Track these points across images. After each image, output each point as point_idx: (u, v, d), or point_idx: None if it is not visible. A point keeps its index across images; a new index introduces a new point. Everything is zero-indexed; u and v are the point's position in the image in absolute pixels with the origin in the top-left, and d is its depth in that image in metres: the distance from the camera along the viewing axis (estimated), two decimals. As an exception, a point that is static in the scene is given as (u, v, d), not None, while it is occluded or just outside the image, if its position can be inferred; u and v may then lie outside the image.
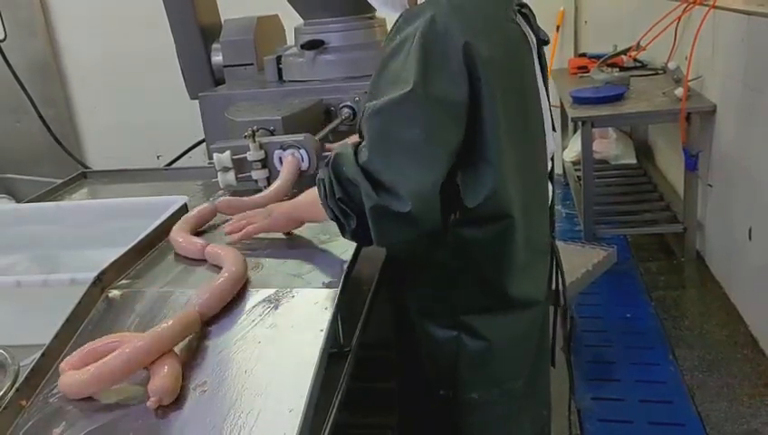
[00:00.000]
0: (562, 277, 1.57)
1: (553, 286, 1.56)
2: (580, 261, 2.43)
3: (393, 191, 1.05)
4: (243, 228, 1.30)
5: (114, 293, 1.13)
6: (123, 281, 1.17)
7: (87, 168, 2.37)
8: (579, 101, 3.46)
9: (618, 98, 3.42)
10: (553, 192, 1.47)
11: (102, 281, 1.13)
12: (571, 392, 2.31)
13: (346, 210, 1.10)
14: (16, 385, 0.92)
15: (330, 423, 0.99)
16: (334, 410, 1.02)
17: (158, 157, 4.24)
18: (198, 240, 1.26)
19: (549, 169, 1.42)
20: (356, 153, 1.09)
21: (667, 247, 3.59)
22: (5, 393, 0.91)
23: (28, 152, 4.29)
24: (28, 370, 0.95)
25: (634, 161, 4.43)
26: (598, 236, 3.40)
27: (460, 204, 1.17)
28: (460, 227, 1.19)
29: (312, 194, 1.24)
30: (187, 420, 0.86)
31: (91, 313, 1.08)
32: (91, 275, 1.12)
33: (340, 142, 1.55)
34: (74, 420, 0.89)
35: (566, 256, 1.75)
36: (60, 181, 2.20)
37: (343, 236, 1.14)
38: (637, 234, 3.68)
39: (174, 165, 2.69)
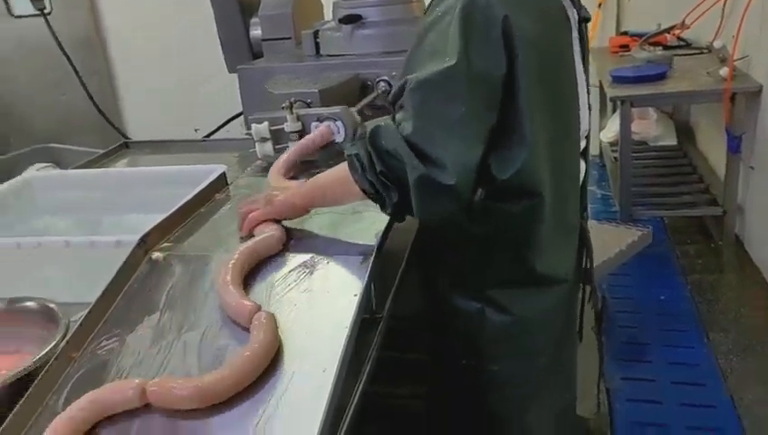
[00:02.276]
0: (590, 257, 1.57)
1: (583, 265, 1.57)
2: (613, 241, 2.41)
3: (439, 164, 1.04)
4: (245, 217, 1.25)
5: (157, 255, 1.17)
6: (165, 244, 1.21)
7: (128, 139, 2.43)
8: (618, 80, 3.40)
9: (659, 77, 3.34)
10: (587, 171, 1.46)
11: (146, 243, 1.17)
12: (601, 371, 2.32)
13: (387, 183, 1.09)
14: (67, 338, 0.97)
15: (360, 387, 1.01)
16: (365, 375, 1.05)
17: (195, 130, 4.30)
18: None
19: (582, 147, 1.41)
20: (397, 126, 1.09)
21: (705, 230, 3.53)
22: (57, 345, 0.96)
23: (71, 124, 4.40)
24: (77, 325, 1.00)
25: (674, 142, 4.34)
26: (634, 218, 3.36)
27: (489, 178, 1.18)
28: (490, 201, 1.20)
29: (333, 175, 1.21)
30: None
31: (136, 273, 1.13)
32: (136, 238, 1.16)
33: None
34: (122, 370, 0.94)
35: (599, 235, 1.75)
36: (102, 151, 2.27)
37: (382, 209, 1.14)
38: (674, 216, 3.62)
39: (212, 137, 2.74)
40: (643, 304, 2.94)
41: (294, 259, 1.12)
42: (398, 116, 1.10)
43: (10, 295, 1.08)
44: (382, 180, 1.09)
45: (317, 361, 0.92)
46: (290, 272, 1.09)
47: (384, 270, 1.21)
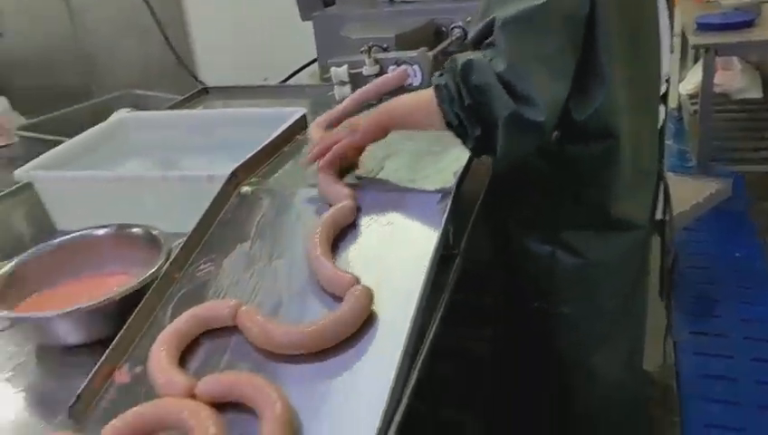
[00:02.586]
0: (669, 205, 1.56)
1: (659, 215, 1.56)
2: (690, 193, 2.36)
3: (530, 101, 1.05)
4: (328, 150, 1.25)
5: (246, 189, 1.25)
6: (253, 179, 1.29)
7: (204, 85, 2.52)
8: (703, 27, 3.26)
9: (747, 24, 3.19)
10: (666, 116, 1.45)
11: (236, 178, 1.25)
12: (669, 324, 2.31)
13: (473, 119, 1.10)
14: (170, 260, 1.06)
15: (436, 324, 1.06)
16: (440, 312, 1.10)
17: (264, 79, 4.38)
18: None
19: (662, 91, 1.39)
20: (489, 61, 1.09)
21: (786, 188, 3.40)
22: (161, 267, 1.05)
23: (148, 72, 4.55)
24: (178, 249, 1.09)
25: (759, 96, 4.14)
26: (711, 173, 3.26)
27: (567, 119, 1.19)
28: (567, 142, 1.21)
29: (415, 99, 1.22)
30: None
31: (227, 205, 1.21)
32: (226, 173, 1.24)
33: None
34: (219, 290, 1.02)
35: (675, 187, 1.72)
36: (181, 97, 2.37)
37: (464, 143, 1.15)
38: (754, 172, 3.49)
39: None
40: (716, 261, 2.88)
41: (377, 195, 1.17)
42: (489, 52, 1.10)
43: (118, 223, 1.18)
44: (469, 115, 1.10)
45: (399, 288, 0.97)
46: (372, 209, 1.15)
47: (460, 210, 1.25)
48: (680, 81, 4.33)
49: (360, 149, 1.28)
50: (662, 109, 1.40)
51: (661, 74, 1.33)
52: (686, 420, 2.04)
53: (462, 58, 1.12)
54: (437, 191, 1.16)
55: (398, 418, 0.79)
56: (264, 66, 4.40)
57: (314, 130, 1.40)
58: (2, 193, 1.63)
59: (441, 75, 1.15)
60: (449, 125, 1.14)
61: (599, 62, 1.14)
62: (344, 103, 1.47)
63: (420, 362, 0.92)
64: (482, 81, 1.08)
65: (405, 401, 0.83)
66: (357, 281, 0.94)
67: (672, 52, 1.40)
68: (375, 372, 0.84)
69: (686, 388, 2.18)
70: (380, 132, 1.25)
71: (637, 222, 1.36)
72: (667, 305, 2.35)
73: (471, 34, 1.20)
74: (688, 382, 2.21)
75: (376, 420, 0.77)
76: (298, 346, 0.88)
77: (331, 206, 1.13)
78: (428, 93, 1.16)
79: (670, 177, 1.69)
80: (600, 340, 1.45)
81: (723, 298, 2.65)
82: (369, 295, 0.92)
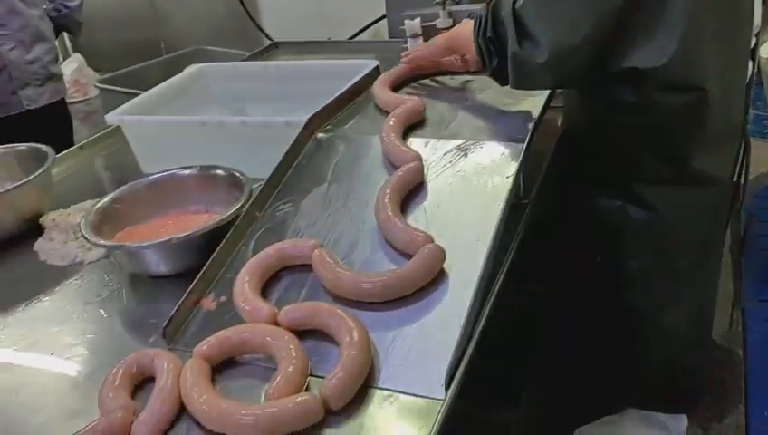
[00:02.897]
0: (747, 165, 1.51)
1: (736, 177, 1.52)
2: (766, 157, 2.27)
3: (535, 40, 1.10)
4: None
5: (322, 135, 1.29)
6: (328, 126, 1.32)
7: (272, 41, 2.56)
8: (790, -16, 3.08)
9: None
10: (753, 71, 1.40)
11: (312, 124, 1.29)
12: (737, 289, 2.26)
13: (491, 49, 1.17)
14: (251, 199, 1.11)
15: (505, 268, 1.08)
16: (511, 255, 1.12)
17: (328, 39, 4.40)
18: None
19: (752, 45, 1.35)
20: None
21: None
22: (243, 205, 1.10)
23: (217, 29, 4.64)
24: (258, 190, 1.14)
25: None
26: (790, 140, 3.12)
27: (633, 70, 1.16)
28: (652, 92, 1.18)
29: (469, 27, 1.29)
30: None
31: (304, 150, 1.25)
32: (303, 119, 1.28)
33: None
34: (297, 229, 1.07)
35: (755, 148, 1.66)
36: (251, 53, 2.42)
37: (483, 72, 1.24)
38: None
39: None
40: (790, 229, 2.78)
41: (449, 143, 1.19)
42: None
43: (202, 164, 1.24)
44: (488, 45, 1.17)
45: (469, 235, 1.00)
46: (445, 154, 1.17)
47: (532, 159, 1.25)
48: (762, 43, 4.11)
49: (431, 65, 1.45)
50: (750, 64, 1.35)
51: (752, 27, 1.29)
52: (752, 386, 2.00)
53: None
54: (511, 140, 1.17)
55: (462, 365, 0.82)
56: (330, 23, 4.41)
57: (379, 88, 1.44)
58: (89, 139, 1.73)
59: (485, 6, 1.22)
60: (478, 53, 1.23)
61: (670, 13, 1.11)
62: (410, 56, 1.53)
63: (487, 311, 0.94)
64: (502, 16, 1.14)
65: (473, 344, 0.86)
66: (430, 239, 0.95)
67: (764, 3, 1.34)
68: (444, 317, 0.87)
69: (753, 354, 2.14)
70: (448, 52, 1.40)
71: (716, 178, 1.32)
72: (736, 271, 2.30)
73: None
74: (755, 349, 2.17)
75: (447, 356, 0.81)
76: (365, 295, 0.90)
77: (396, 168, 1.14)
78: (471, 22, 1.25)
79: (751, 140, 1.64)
80: (668, 297, 1.44)
81: (795, 268, 2.56)
82: (439, 255, 0.93)
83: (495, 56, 1.18)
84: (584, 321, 1.58)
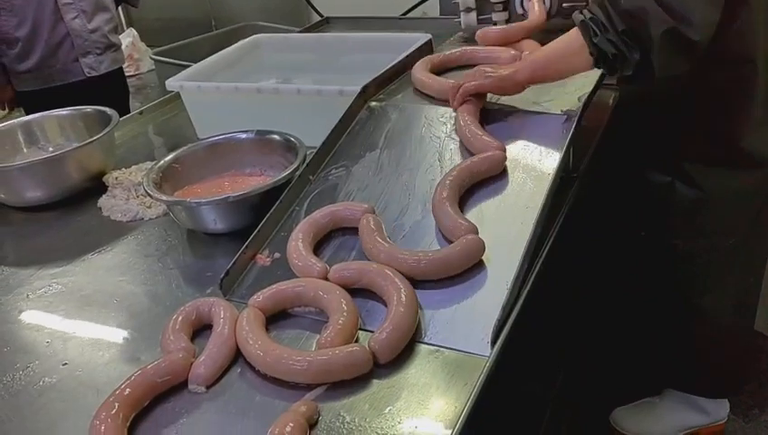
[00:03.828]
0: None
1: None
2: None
3: (687, 20, 1.02)
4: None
5: (375, 103, 1.31)
6: (381, 96, 1.35)
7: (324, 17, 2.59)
8: None
9: None
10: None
11: (365, 93, 1.31)
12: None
13: (629, 42, 1.06)
14: (306, 162, 1.14)
15: (550, 243, 1.09)
16: (558, 226, 1.13)
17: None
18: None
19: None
20: None
21: None
22: (297, 168, 1.14)
23: (265, 6, 4.69)
24: (312, 154, 1.17)
25: None
26: None
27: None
28: (703, 66, 1.17)
29: (554, 49, 1.18)
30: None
31: (357, 117, 1.27)
32: (357, 88, 1.30)
33: None
34: (349, 193, 1.10)
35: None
36: (302, 28, 2.45)
37: (621, 72, 1.12)
38: None
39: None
40: None
41: (502, 113, 1.20)
42: None
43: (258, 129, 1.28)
44: (625, 39, 1.07)
45: (519, 202, 1.01)
46: (496, 124, 1.18)
47: (582, 136, 1.25)
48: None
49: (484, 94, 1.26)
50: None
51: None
52: (796, 378, 1.97)
53: None
54: (562, 114, 1.17)
55: (507, 327, 0.84)
56: (380, 1, 4.40)
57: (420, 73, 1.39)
58: (147, 105, 1.79)
59: (583, 11, 1.12)
60: (601, 58, 1.10)
61: None
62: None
63: (532, 278, 0.95)
64: (634, 3, 1.05)
65: (514, 314, 0.87)
66: (472, 229, 0.93)
67: None
68: (492, 278, 0.89)
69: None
70: (518, 87, 1.22)
71: (765, 159, 1.31)
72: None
73: None
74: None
75: (494, 314, 0.83)
76: (402, 270, 0.89)
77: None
78: (566, 38, 1.14)
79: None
80: (711, 278, 1.43)
81: None
82: (478, 247, 0.91)
83: (636, 49, 1.07)
84: (625, 299, 1.59)
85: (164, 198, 1.10)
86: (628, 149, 1.43)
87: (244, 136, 1.26)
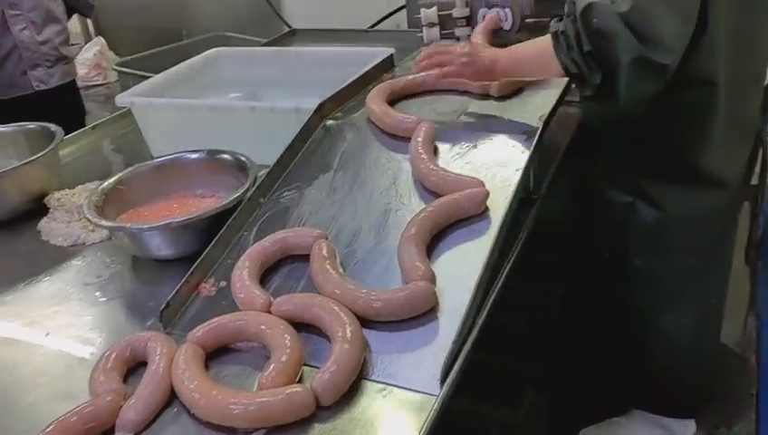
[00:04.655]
0: (764, 171, 1.48)
1: (754, 181, 1.48)
2: (790, 160, 2.21)
3: (659, 42, 1.01)
4: (439, 65, 1.26)
5: (331, 122, 1.27)
6: (338, 113, 1.31)
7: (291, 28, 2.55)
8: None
9: None
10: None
11: (321, 111, 1.27)
12: (752, 297, 2.21)
13: (593, 65, 1.06)
14: (256, 185, 1.10)
15: (509, 267, 1.06)
16: (514, 255, 1.09)
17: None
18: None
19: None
20: (611, 3, 1.04)
21: None
22: (248, 191, 1.09)
23: (237, 15, 4.64)
24: (264, 175, 1.13)
25: None
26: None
27: None
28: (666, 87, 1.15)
29: (533, 48, 1.18)
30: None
31: (312, 136, 1.23)
32: (313, 105, 1.26)
33: None
34: (301, 217, 1.06)
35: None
36: (268, 40, 2.40)
37: (582, 91, 1.12)
38: None
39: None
40: (812, 236, 2.71)
41: (460, 134, 1.17)
42: None
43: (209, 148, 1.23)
44: (588, 61, 1.06)
45: (473, 228, 0.97)
46: (454, 145, 1.14)
47: (542, 158, 1.23)
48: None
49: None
50: (770, 65, 1.32)
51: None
52: (763, 393, 1.96)
53: (582, 2, 1.06)
54: (522, 134, 1.14)
55: (461, 359, 0.80)
56: (351, 12, 4.39)
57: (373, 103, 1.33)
58: (100, 121, 1.73)
59: (560, 21, 1.10)
60: (567, 72, 1.10)
61: (706, 4, 1.07)
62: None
63: (488, 307, 0.91)
64: (604, 25, 1.02)
65: (469, 343, 0.83)
66: (428, 275, 0.87)
67: None
68: (442, 313, 0.85)
69: (766, 362, 2.09)
70: (494, 77, 1.23)
71: (726, 180, 1.29)
72: (751, 277, 2.25)
73: None
74: (769, 357, 2.12)
75: (443, 355, 0.79)
76: (348, 305, 0.84)
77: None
78: (546, 41, 1.12)
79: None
80: (673, 298, 1.41)
81: (815, 275, 2.50)
82: (430, 296, 0.85)
83: (598, 71, 1.06)
84: (588, 320, 1.56)
85: (104, 223, 1.04)
86: (591, 167, 1.41)
87: (193, 156, 1.21)
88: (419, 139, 1.11)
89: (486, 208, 0.99)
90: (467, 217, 0.99)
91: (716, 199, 1.31)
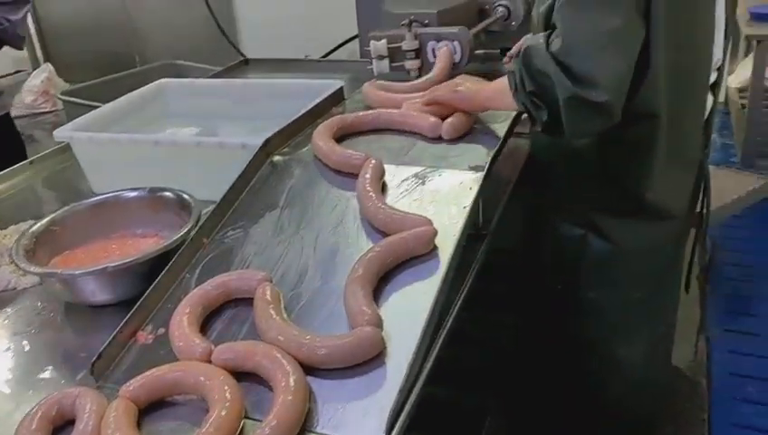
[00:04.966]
0: (708, 198, 1.51)
1: (698, 208, 1.51)
2: (731, 186, 2.29)
3: (590, 81, 1.02)
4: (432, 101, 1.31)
5: (278, 158, 1.25)
6: (286, 149, 1.28)
7: (246, 57, 2.53)
8: (757, 17, 3.13)
9: (804, 16, 3.05)
10: (713, 105, 1.39)
11: (268, 146, 1.24)
12: (702, 320, 2.26)
13: (537, 103, 1.08)
14: (199, 224, 1.06)
15: (459, 303, 1.05)
16: (465, 291, 1.08)
17: (305, 56, 4.39)
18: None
19: (713, 80, 1.34)
20: (547, 44, 1.06)
21: (836, 188, 3.27)
22: (190, 230, 1.05)
23: (192, 43, 4.59)
24: (208, 214, 1.09)
25: (812, 92, 3.97)
26: (756, 169, 3.15)
27: None
28: None
29: (501, 83, 1.21)
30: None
31: (259, 173, 1.20)
32: (260, 141, 1.24)
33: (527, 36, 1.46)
34: (245, 258, 1.03)
35: (717, 179, 1.66)
36: (222, 68, 2.37)
37: (534, 127, 1.14)
38: (802, 170, 3.36)
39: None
40: (755, 259, 2.79)
41: (408, 170, 1.16)
42: (553, 35, 1.07)
43: (151, 186, 1.19)
44: (533, 100, 1.08)
45: (422, 268, 0.96)
46: (402, 181, 1.13)
47: (492, 193, 1.23)
48: (729, 73, 4.18)
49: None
50: (710, 98, 1.35)
51: (712, 62, 1.28)
52: (715, 417, 1.99)
53: (526, 43, 1.11)
54: (469, 169, 1.14)
55: (409, 405, 0.78)
56: (306, 41, 4.40)
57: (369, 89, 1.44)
58: (39, 155, 1.66)
59: (514, 62, 1.14)
60: (524, 110, 1.14)
61: (647, 40, 1.09)
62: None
63: (438, 346, 0.90)
64: (541, 65, 1.05)
65: (418, 386, 0.81)
66: (374, 320, 0.83)
67: (727, 39, 1.33)
68: (389, 359, 0.82)
69: (717, 386, 2.13)
70: (475, 106, 1.29)
71: (672, 211, 1.31)
72: (701, 301, 2.30)
73: (542, 13, 1.17)
74: (719, 380, 2.16)
75: (389, 404, 0.76)
76: (293, 353, 0.81)
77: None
78: (506, 79, 1.17)
79: (713, 169, 1.64)
80: (623, 329, 1.42)
81: (759, 297, 2.56)
82: (376, 342, 0.82)
83: (544, 108, 1.09)
84: (540, 351, 1.56)
85: (34, 269, 0.99)
86: (542, 200, 1.42)
87: (133, 194, 1.17)
88: (367, 176, 1.09)
89: (435, 247, 0.98)
90: (417, 261, 0.97)
91: (663, 231, 1.33)
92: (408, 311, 0.88)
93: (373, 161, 1.13)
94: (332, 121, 1.32)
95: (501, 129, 1.28)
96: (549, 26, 1.12)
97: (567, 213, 1.34)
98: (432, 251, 0.97)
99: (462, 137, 1.27)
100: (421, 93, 1.38)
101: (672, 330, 1.56)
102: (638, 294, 1.37)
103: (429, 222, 0.98)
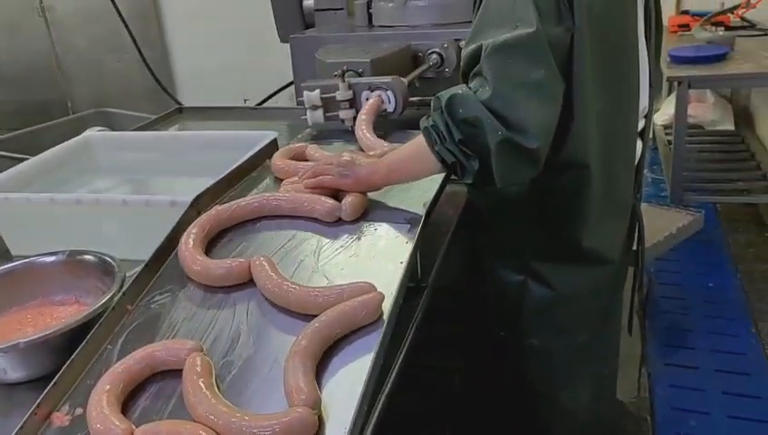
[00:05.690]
0: (642, 240, 1.54)
1: (634, 248, 1.54)
2: (663, 224, 2.36)
3: (521, 127, 1.02)
4: (320, 174, 1.20)
5: (209, 216, 1.20)
6: (218, 205, 1.24)
7: (181, 105, 2.48)
8: (676, 60, 3.29)
9: (719, 58, 3.22)
10: (643, 151, 1.43)
11: (198, 204, 1.20)
12: (643, 355, 2.29)
13: (467, 152, 1.06)
14: (123, 290, 1.00)
15: (402, 356, 1.03)
16: (407, 344, 1.06)
17: (245, 100, 4.36)
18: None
19: (641, 127, 1.38)
20: (474, 93, 1.06)
21: (759, 219, 3.43)
22: (113, 297, 0.99)
23: (126, 90, 4.51)
24: (132, 278, 1.04)
25: (731, 128, 4.19)
26: (685, 204, 3.27)
27: None
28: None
29: (407, 149, 1.18)
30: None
31: (188, 232, 1.15)
32: (189, 199, 1.19)
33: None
34: (173, 325, 0.97)
35: (649, 217, 1.71)
36: (156, 117, 2.32)
37: (462, 179, 1.11)
38: (727, 203, 3.51)
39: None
40: (690, 291, 2.88)
41: (343, 225, 1.13)
42: (475, 83, 1.08)
43: (70, 249, 1.12)
44: (462, 149, 1.07)
45: (359, 333, 0.92)
46: (337, 238, 1.10)
47: (430, 240, 1.21)
48: (655, 111, 4.37)
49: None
50: (640, 144, 1.38)
51: (639, 109, 1.32)
52: (660, 455, 2.01)
53: (446, 94, 1.09)
54: (405, 223, 1.12)
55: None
56: (243, 88, 4.38)
57: (278, 160, 1.37)
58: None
59: (428, 117, 1.12)
60: (445, 164, 1.10)
61: (571, 95, 1.12)
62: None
63: (383, 397, 0.88)
64: (469, 113, 1.05)
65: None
66: (310, 400, 0.78)
67: (652, 86, 1.37)
68: (334, 413, 0.79)
69: (661, 420, 2.15)
70: (374, 188, 1.20)
71: (609, 256, 1.34)
72: (641, 336, 2.34)
73: (462, 62, 1.17)
74: (662, 415, 2.19)
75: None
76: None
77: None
78: (419, 139, 1.13)
79: (645, 207, 1.69)
80: (569, 372, 1.43)
81: (696, 328, 2.63)
82: (309, 425, 0.77)
83: (474, 157, 1.07)
84: (492, 398, 1.54)
85: (-62, 347, 0.91)
86: (481, 246, 1.42)
87: (50, 259, 1.10)
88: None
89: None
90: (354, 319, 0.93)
91: (601, 274, 1.34)
92: (347, 378, 0.85)
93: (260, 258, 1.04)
94: (204, 219, 1.16)
95: (437, 178, 1.26)
96: (468, 73, 1.12)
97: (507, 259, 1.35)
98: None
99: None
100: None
101: (615, 371, 1.57)
102: (581, 339, 1.37)
103: (373, 287, 0.95)
